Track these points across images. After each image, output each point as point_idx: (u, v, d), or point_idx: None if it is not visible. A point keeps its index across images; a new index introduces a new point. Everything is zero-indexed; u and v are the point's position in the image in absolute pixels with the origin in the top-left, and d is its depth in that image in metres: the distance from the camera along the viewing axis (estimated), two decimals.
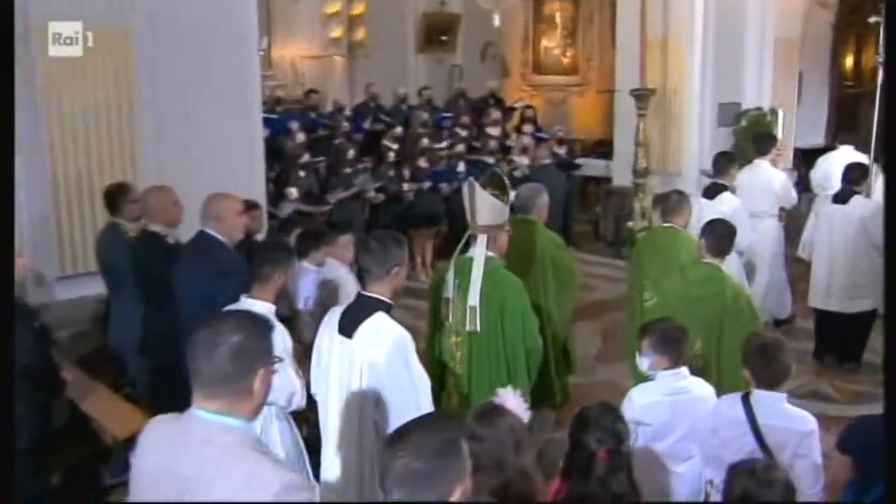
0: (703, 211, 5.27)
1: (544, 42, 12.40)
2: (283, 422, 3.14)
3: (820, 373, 5.47)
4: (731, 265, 4.28)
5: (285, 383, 3.01)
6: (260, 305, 3.06)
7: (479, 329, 3.39)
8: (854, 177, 5.79)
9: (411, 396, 2.77)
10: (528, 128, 9.51)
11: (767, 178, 6.42)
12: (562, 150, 9.11)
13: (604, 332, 6.17)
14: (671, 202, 4.65)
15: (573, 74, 12.44)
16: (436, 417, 2.32)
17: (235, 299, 3.11)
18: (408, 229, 7.73)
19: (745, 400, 2.92)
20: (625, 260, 8.26)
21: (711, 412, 2.99)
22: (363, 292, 2.90)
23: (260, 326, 1.91)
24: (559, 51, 12.45)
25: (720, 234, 3.98)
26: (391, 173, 7.62)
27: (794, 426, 2.86)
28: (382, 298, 2.86)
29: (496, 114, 9.41)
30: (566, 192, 8.66)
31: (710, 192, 5.87)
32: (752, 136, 8.70)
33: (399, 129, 8.53)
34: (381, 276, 2.86)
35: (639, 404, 3.09)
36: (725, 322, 3.89)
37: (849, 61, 12.81)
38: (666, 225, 4.62)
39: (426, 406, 2.80)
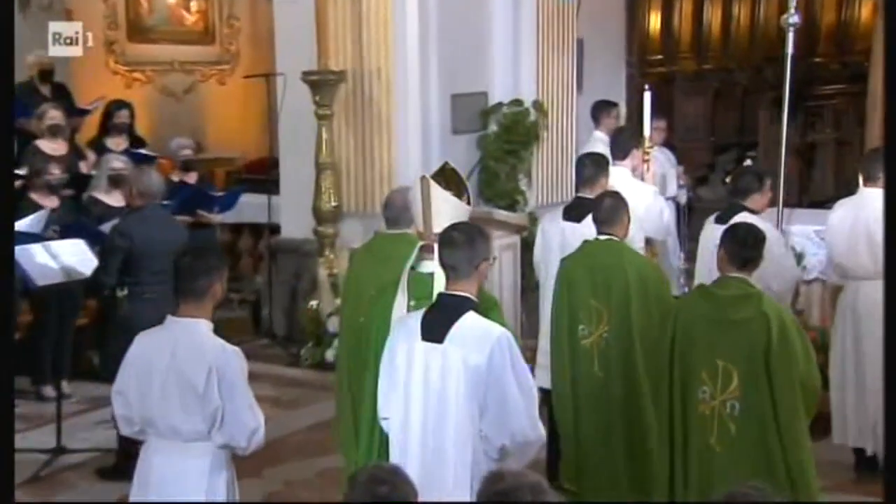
0: (567, 238, 6.41)
1: None
2: (230, 471, 4.47)
3: None
4: None
5: (246, 418, 4.35)
6: (202, 327, 4.41)
7: None
8: (744, 186, 6.78)
9: (520, 400, 4.19)
10: (120, 141, 9.50)
11: (629, 195, 7.07)
12: (190, 179, 9.29)
13: None
14: (605, 208, 5.94)
15: (205, 44, 12.81)
16: None
17: None
18: None
19: None
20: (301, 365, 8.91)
21: None
22: (447, 292, 4.36)
23: None
24: (177, 1, 12.75)
25: (743, 240, 5.17)
26: None
27: None
28: (471, 297, 4.33)
29: (56, 115, 9.18)
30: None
31: (576, 213, 6.65)
32: (507, 143, 9.74)
33: None
34: (469, 273, 4.32)
35: None
36: (772, 362, 4.94)
37: (654, 24, 14.86)
38: (603, 237, 5.94)
39: (535, 410, 4.26)
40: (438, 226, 4.66)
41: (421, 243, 4.81)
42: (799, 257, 7.90)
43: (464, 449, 4.26)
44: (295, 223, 9.63)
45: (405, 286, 4.78)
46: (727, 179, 8.77)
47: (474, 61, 9.89)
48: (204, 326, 4.43)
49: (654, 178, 7.91)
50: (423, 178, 4.78)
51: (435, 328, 4.32)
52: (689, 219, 10.14)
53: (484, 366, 4.20)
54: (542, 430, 4.32)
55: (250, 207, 10.17)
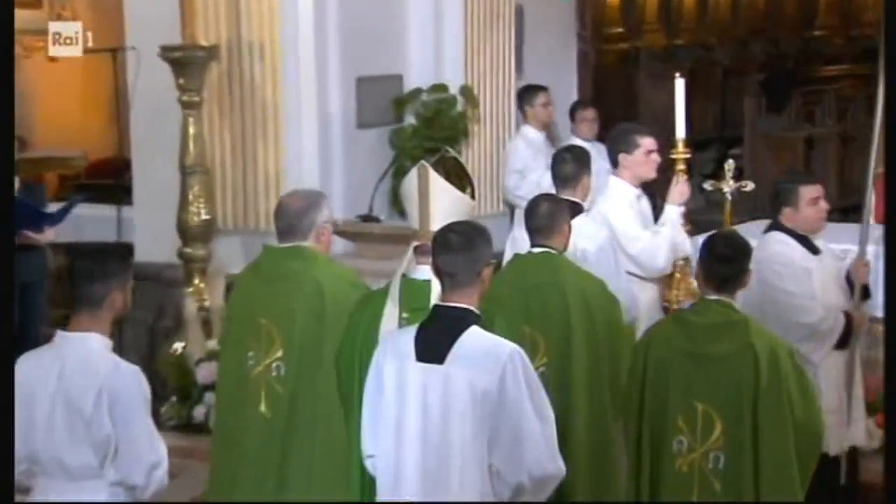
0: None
1: None
2: None
3: None
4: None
5: (143, 449, 4.60)
6: (94, 342, 4.65)
7: None
8: (776, 199, 6.78)
9: (538, 428, 4.50)
10: None
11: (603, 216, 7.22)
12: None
13: None
14: (540, 214, 6.14)
15: (28, 7, 12.54)
16: None
17: None
18: None
19: None
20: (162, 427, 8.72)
21: None
22: (445, 304, 4.65)
23: None
24: None
25: (720, 254, 5.33)
26: None
27: None
28: (473, 309, 4.63)
29: None
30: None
31: None
32: (428, 139, 9.73)
33: None
34: (470, 281, 4.62)
35: None
36: (760, 405, 5.08)
37: None
38: (537, 250, 6.12)
39: (554, 439, 4.57)
40: (437, 223, 4.93)
41: (415, 243, 5.04)
42: None
43: (471, 488, 4.52)
44: (153, 243, 9.51)
45: (396, 295, 5.02)
46: (706, 185, 8.74)
47: (386, 36, 9.88)
48: (96, 341, 4.65)
49: (682, 195, 7.64)
50: (421, 165, 5.10)
51: (433, 347, 4.58)
52: None
53: (495, 390, 4.48)
54: (561, 464, 4.56)
55: (94, 223, 9.98)
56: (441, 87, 10.06)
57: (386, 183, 9.85)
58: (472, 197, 5.20)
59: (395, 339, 4.73)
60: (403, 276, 5.05)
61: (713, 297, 5.27)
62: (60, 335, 4.71)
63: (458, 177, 5.20)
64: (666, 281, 7.51)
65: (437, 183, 5.04)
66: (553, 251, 6.08)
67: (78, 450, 4.56)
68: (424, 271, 4.97)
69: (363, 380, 4.94)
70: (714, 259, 5.31)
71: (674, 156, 7.62)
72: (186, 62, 8.71)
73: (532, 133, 9.61)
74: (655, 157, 7.39)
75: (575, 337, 5.88)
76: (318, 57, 9.39)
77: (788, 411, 5.09)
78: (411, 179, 5.13)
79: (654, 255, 7.26)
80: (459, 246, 4.59)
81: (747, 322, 5.20)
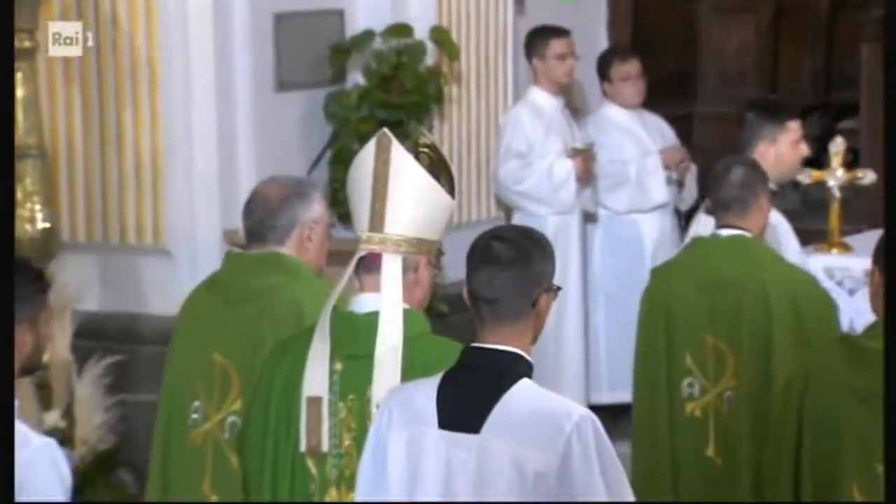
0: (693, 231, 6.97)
1: None
2: None
3: None
4: None
5: None
6: None
7: None
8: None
9: None
10: None
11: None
12: None
13: None
14: (733, 183, 6.60)
15: None
16: None
17: None
18: None
19: None
20: None
21: None
22: (484, 345, 4.59)
23: None
24: None
25: None
26: None
27: None
28: (523, 354, 4.58)
29: None
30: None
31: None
32: (384, 106, 9.72)
33: None
34: (522, 312, 4.57)
35: None
36: None
37: None
38: (726, 233, 6.58)
39: None
40: (397, 223, 5.03)
41: (361, 253, 5.06)
42: None
43: None
44: None
45: (326, 332, 4.99)
46: (802, 176, 8.63)
47: None
48: None
49: None
50: (382, 134, 5.11)
51: (463, 408, 4.55)
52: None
53: (554, 472, 4.40)
54: None
55: None
56: (403, 30, 10.00)
57: (321, 172, 9.81)
58: (451, 195, 5.20)
59: (406, 397, 4.68)
60: (336, 308, 5.03)
61: None
62: None
63: (433, 166, 5.17)
64: None
65: (404, 164, 5.04)
66: (745, 233, 6.35)
67: None
68: (369, 300, 5.02)
69: (278, 464, 5.04)
70: None
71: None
72: None
73: (542, 98, 9.69)
74: None
75: (777, 351, 6.14)
76: None
77: None
78: (365, 158, 5.09)
79: None
80: (508, 259, 4.52)
81: None
